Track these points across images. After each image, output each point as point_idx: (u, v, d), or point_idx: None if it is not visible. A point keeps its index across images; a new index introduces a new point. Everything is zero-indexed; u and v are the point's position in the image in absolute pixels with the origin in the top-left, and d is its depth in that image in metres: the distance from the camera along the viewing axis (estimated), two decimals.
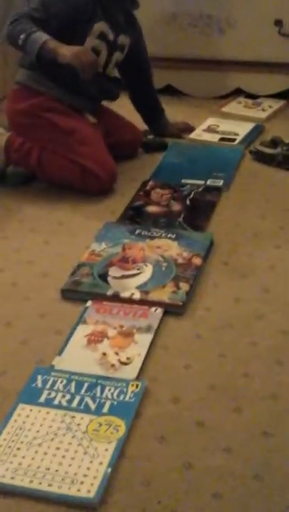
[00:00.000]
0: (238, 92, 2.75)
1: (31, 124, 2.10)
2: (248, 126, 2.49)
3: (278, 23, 2.56)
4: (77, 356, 1.41)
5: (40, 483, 1.13)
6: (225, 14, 2.40)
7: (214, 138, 2.43)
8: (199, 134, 2.46)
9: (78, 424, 1.24)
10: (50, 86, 2.09)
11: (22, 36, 1.94)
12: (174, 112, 2.32)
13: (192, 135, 2.42)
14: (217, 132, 2.48)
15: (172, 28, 2.66)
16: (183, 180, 2.12)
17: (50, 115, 2.08)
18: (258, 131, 2.47)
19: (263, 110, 2.62)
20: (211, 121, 2.56)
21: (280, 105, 2.67)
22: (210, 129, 2.50)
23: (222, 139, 2.42)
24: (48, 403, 1.29)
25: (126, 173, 2.18)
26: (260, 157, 2.25)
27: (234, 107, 2.67)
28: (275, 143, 2.26)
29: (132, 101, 2.39)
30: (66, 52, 1.93)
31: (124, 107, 2.33)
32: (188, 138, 2.41)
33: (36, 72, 2.07)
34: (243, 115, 2.60)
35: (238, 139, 2.41)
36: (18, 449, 1.19)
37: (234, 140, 2.40)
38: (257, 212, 1.97)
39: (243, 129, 2.46)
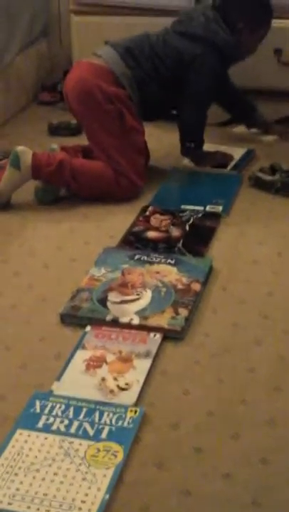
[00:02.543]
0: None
1: (101, 104, 2.13)
2: (240, 152, 2.50)
3: (277, 51, 2.59)
4: (76, 381, 1.41)
5: (38, 509, 1.12)
6: None
7: None
8: (190, 162, 2.47)
9: (76, 450, 1.24)
10: (134, 91, 2.18)
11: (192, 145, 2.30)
12: (173, 137, 2.33)
13: (185, 161, 2.44)
14: None
15: None
16: (182, 206, 2.13)
17: (122, 107, 2.15)
18: (249, 156, 2.49)
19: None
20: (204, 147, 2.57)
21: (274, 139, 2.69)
22: None
23: (214, 166, 2.43)
24: (46, 428, 1.29)
25: (124, 198, 2.19)
26: (259, 183, 2.26)
27: (243, 130, 2.68)
28: (273, 169, 2.27)
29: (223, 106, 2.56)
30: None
31: None
32: (182, 164, 2.43)
33: (132, 75, 2.17)
34: (254, 138, 2.62)
35: (231, 164, 2.42)
36: (16, 474, 1.19)
37: (226, 166, 2.41)
38: (256, 238, 1.98)
39: (235, 155, 2.48)
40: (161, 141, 2.32)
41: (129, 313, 1.60)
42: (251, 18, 2.24)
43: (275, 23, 2.55)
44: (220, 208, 2.12)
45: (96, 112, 2.15)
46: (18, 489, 1.16)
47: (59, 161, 2.11)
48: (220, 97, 2.47)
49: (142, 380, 1.41)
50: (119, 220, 2.07)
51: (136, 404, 1.35)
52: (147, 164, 2.36)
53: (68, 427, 1.29)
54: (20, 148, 2.10)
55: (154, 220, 2.05)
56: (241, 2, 2.26)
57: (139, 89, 2.19)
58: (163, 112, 2.36)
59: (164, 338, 1.54)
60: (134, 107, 2.19)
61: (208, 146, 2.42)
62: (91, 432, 1.28)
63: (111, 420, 1.30)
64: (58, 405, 1.34)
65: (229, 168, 2.40)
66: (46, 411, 1.33)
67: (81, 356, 1.48)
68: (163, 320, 1.57)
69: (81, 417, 1.31)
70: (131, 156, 2.17)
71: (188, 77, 2.19)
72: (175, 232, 1.99)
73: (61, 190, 2.19)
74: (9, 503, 1.13)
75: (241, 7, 2.25)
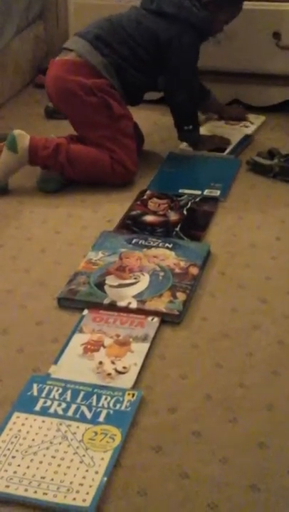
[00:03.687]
0: (235, 103, 2.76)
1: (82, 98, 2.10)
2: (238, 136, 2.49)
3: (276, 35, 2.57)
4: (74, 365, 1.41)
5: (35, 492, 1.12)
6: None
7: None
8: (188, 146, 2.45)
9: (74, 433, 1.23)
10: (114, 78, 2.15)
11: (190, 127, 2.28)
12: (170, 121, 2.32)
13: (182, 145, 2.42)
14: None
15: None
16: (180, 190, 2.12)
17: (106, 96, 2.12)
18: (247, 141, 2.47)
19: (246, 126, 2.60)
20: (201, 130, 2.55)
21: (262, 121, 2.65)
22: None
23: (211, 150, 2.41)
24: (44, 412, 1.28)
25: (120, 184, 2.18)
26: (257, 168, 2.25)
27: (216, 124, 2.64)
28: (272, 154, 2.26)
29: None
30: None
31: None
32: (179, 148, 2.41)
33: (109, 62, 2.13)
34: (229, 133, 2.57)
35: (228, 149, 2.41)
36: (13, 457, 1.19)
37: (224, 151, 2.40)
38: (253, 222, 1.97)
39: (232, 139, 2.46)
40: (158, 125, 2.31)
41: (127, 296, 1.60)
42: None
43: (274, 5, 2.55)
44: (218, 192, 2.11)
45: (81, 108, 2.13)
46: (15, 472, 1.15)
47: (56, 144, 2.10)
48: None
49: (139, 364, 1.40)
50: (116, 204, 2.06)
51: (133, 387, 1.35)
52: (141, 148, 2.35)
53: (66, 410, 1.28)
54: (17, 131, 2.09)
55: (152, 204, 2.04)
56: None
57: (118, 76, 2.16)
58: (144, 94, 2.32)
59: (162, 322, 1.53)
60: (118, 94, 2.16)
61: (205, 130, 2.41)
62: (89, 415, 1.27)
63: (109, 403, 1.30)
64: (55, 388, 1.33)
65: (226, 152, 2.39)
66: (44, 394, 1.32)
67: (79, 340, 1.48)
68: (161, 304, 1.57)
69: (79, 400, 1.31)
70: (123, 142, 2.15)
71: (170, 62, 2.17)
72: (173, 216, 1.98)
73: (61, 180, 2.16)
74: (6, 486, 1.13)
75: None
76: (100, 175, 2.14)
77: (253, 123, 2.61)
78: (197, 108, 2.34)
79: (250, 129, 2.56)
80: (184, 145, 2.41)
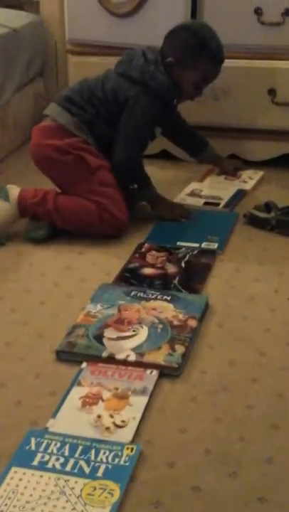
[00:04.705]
0: (231, 158, 2.80)
1: (59, 160, 2.18)
2: (231, 190, 2.52)
3: (271, 91, 2.63)
4: (72, 418, 1.40)
5: None
6: (220, 83, 2.46)
7: (199, 202, 2.46)
8: (184, 199, 2.48)
9: (72, 488, 1.22)
10: (87, 134, 2.21)
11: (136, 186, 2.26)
12: (169, 176, 2.35)
13: (180, 197, 2.46)
14: (201, 197, 2.51)
15: None
16: (178, 243, 2.14)
17: (81, 152, 2.17)
18: (241, 195, 2.51)
19: (245, 182, 2.64)
20: (194, 185, 2.59)
21: (260, 176, 2.69)
22: (194, 194, 2.52)
23: (206, 203, 2.44)
24: (42, 466, 1.27)
25: (121, 235, 2.20)
26: (254, 221, 2.27)
27: (216, 180, 2.68)
28: (268, 207, 2.28)
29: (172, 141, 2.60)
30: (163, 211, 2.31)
31: None
32: (177, 200, 2.44)
33: (79, 120, 2.20)
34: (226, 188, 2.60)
35: (222, 203, 2.44)
36: None
37: (218, 204, 2.43)
38: (252, 275, 1.98)
39: (226, 193, 2.50)
40: (155, 178, 2.34)
41: (126, 349, 1.59)
42: (181, 52, 2.22)
43: (269, 63, 2.62)
44: (215, 245, 2.13)
45: (59, 168, 2.21)
46: None
47: (44, 193, 2.18)
48: (170, 134, 2.53)
49: (138, 418, 1.39)
50: (115, 257, 2.08)
51: (132, 441, 1.33)
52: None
53: (64, 464, 1.27)
54: (9, 185, 2.21)
55: (150, 257, 2.05)
56: (173, 37, 2.25)
57: (91, 131, 2.22)
58: None
59: (161, 375, 1.53)
60: (92, 148, 2.21)
61: (199, 185, 2.44)
62: (87, 470, 1.26)
63: (107, 458, 1.28)
64: (53, 443, 1.32)
65: (221, 206, 2.41)
66: (41, 448, 1.31)
67: (77, 393, 1.47)
68: (159, 356, 1.56)
69: (77, 454, 1.29)
70: (105, 192, 2.18)
71: (121, 117, 2.22)
72: (171, 268, 2.00)
73: (49, 228, 2.18)
74: None
75: (172, 42, 2.24)
76: (88, 223, 2.17)
77: (252, 178, 2.65)
78: (139, 168, 2.28)
79: (248, 185, 2.59)
80: (181, 197, 2.45)
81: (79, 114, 2.21)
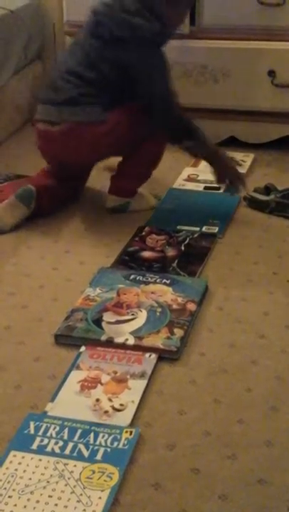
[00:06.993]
0: (231, 140, 2.78)
1: (100, 143, 2.12)
2: None
3: (271, 73, 2.61)
4: (71, 402, 1.40)
5: None
6: (220, 64, 2.44)
7: (199, 187, 2.44)
8: (183, 184, 2.47)
9: (71, 472, 1.22)
10: (95, 100, 2.12)
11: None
12: (169, 159, 2.34)
13: (175, 185, 2.44)
14: (199, 181, 2.49)
15: None
16: (178, 227, 2.13)
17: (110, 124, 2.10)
18: None
19: (239, 165, 2.61)
20: (188, 170, 2.57)
21: (252, 158, 2.67)
22: (191, 179, 2.51)
23: (206, 188, 2.42)
24: (41, 450, 1.27)
25: (121, 218, 2.19)
26: (254, 204, 2.26)
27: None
28: (268, 190, 2.28)
29: None
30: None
31: None
32: (178, 185, 2.43)
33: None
34: None
35: (223, 187, 2.42)
36: (10, 496, 1.17)
37: (219, 188, 2.40)
38: (251, 258, 1.98)
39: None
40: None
41: (125, 333, 1.59)
42: None
43: (269, 44, 2.59)
44: (216, 229, 2.12)
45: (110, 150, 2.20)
46: None
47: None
48: None
49: (137, 401, 1.40)
50: (115, 240, 2.07)
51: (131, 425, 1.33)
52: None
53: (63, 448, 1.27)
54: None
55: (150, 240, 2.05)
56: None
57: (101, 89, 2.10)
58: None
59: (160, 358, 1.53)
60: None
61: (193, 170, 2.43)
62: (86, 454, 1.26)
63: (106, 441, 1.28)
64: (52, 426, 1.32)
65: (222, 190, 2.40)
66: (40, 432, 1.31)
67: (76, 377, 1.47)
68: (158, 340, 1.56)
69: (76, 438, 1.30)
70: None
71: (140, 88, 2.10)
72: (170, 252, 1.99)
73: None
74: None
75: None
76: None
77: (245, 161, 2.63)
78: (187, 119, 2.17)
79: (243, 168, 2.56)
80: (182, 181, 2.43)
81: (81, 87, 2.09)
